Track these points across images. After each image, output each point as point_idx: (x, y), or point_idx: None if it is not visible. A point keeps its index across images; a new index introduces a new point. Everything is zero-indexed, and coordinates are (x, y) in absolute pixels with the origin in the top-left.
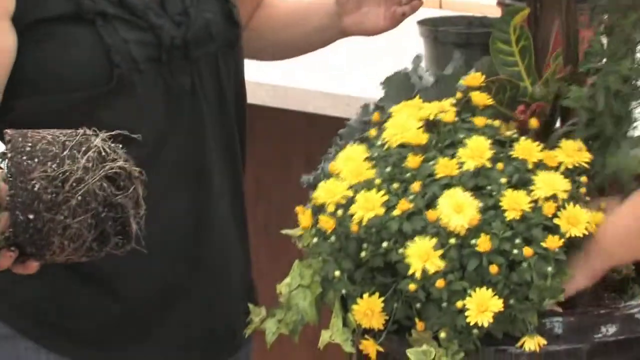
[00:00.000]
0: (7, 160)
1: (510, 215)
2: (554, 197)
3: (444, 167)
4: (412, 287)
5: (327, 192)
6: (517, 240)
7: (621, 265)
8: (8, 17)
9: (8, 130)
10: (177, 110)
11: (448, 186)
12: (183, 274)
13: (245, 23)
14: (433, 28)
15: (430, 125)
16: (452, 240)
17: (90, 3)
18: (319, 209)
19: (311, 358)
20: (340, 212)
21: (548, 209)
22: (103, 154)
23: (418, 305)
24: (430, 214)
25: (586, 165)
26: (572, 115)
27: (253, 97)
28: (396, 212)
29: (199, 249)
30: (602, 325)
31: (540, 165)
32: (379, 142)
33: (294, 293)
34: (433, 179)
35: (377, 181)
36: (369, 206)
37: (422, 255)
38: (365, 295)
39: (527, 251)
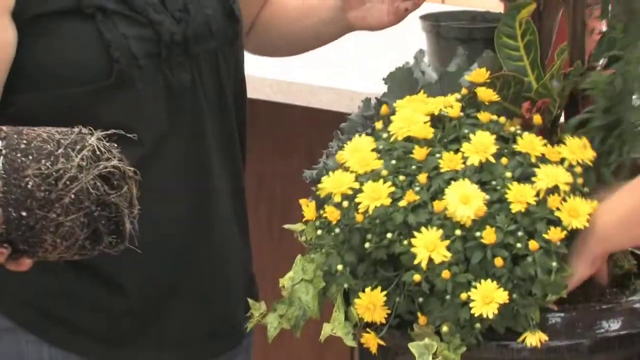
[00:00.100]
0: (1, 157)
1: (515, 207)
2: (556, 189)
3: (448, 161)
4: (416, 277)
5: (334, 183)
6: (520, 233)
7: (622, 260)
8: (8, 13)
9: (3, 127)
10: (177, 107)
11: (453, 181)
12: (184, 270)
13: (252, 21)
14: (436, 23)
15: (435, 121)
16: (457, 232)
17: None
18: (323, 201)
19: (312, 352)
20: (345, 203)
21: (552, 202)
22: (97, 152)
23: (420, 299)
24: (437, 205)
25: (590, 163)
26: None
27: (256, 92)
28: (403, 203)
29: (199, 244)
30: (604, 320)
31: (542, 160)
32: (385, 135)
33: (296, 287)
34: (438, 172)
35: (384, 172)
36: (375, 196)
37: (428, 246)
38: (368, 289)
39: (533, 245)
